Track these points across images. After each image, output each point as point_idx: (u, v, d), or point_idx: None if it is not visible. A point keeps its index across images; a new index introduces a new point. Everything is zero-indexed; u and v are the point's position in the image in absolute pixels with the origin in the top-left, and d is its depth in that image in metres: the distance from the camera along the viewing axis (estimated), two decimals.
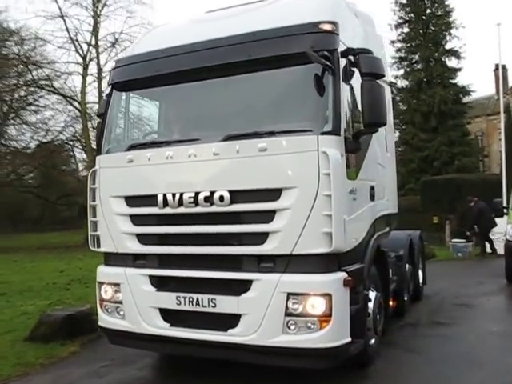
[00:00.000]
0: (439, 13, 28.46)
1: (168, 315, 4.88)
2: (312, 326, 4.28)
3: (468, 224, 16.40)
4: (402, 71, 29.39)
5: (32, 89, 31.69)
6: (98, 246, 5.32)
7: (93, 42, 28.45)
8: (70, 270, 14.19)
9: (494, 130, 34.48)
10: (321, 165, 4.26)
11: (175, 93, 5.25)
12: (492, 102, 36.40)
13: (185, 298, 4.74)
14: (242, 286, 4.50)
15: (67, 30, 27.70)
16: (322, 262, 4.34)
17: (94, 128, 25.43)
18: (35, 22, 62.80)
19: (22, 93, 33.59)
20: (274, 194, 4.38)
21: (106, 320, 5.29)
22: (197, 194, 4.64)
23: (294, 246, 4.31)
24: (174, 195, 4.75)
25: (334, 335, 4.29)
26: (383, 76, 4.62)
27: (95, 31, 28.22)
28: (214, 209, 4.59)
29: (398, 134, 29.30)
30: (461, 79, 29.24)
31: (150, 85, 5.27)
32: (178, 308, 4.78)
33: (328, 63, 4.43)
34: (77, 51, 28.42)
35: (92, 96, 29.77)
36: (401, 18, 29.51)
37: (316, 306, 4.28)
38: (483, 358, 5.58)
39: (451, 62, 28.27)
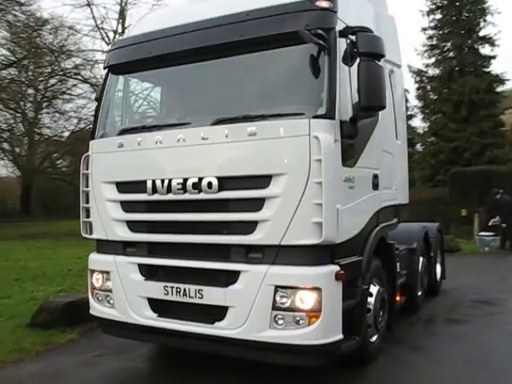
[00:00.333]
0: None
1: (156, 305, 4.73)
2: (300, 322, 4.04)
3: (502, 216, 15.67)
4: (433, 59, 28.43)
5: (65, 78, 32.29)
6: (91, 233, 5.21)
7: (119, 30, 28.59)
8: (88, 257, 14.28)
9: None
10: (312, 150, 3.99)
11: (167, 75, 5.05)
12: None
13: (172, 288, 4.57)
14: (230, 278, 4.30)
15: (93, 17, 27.91)
16: (312, 253, 4.08)
17: None
18: (62, 10, 63.56)
19: (54, 81, 34.28)
20: (263, 180, 4.15)
21: (96, 308, 5.18)
22: (185, 180, 4.45)
23: (282, 236, 4.08)
24: (162, 181, 4.57)
25: (324, 332, 4.04)
26: (382, 56, 4.29)
27: (122, 19, 28.33)
28: (202, 196, 4.39)
29: (427, 124, 28.54)
30: (495, 67, 28.03)
31: (142, 67, 5.09)
32: (165, 298, 4.62)
33: (322, 42, 4.14)
34: (103, 39, 28.62)
35: None
36: (433, 3, 28.44)
37: (305, 300, 4.04)
38: (493, 362, 5.22)
39: (485, 50, 27.14)
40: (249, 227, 4.20)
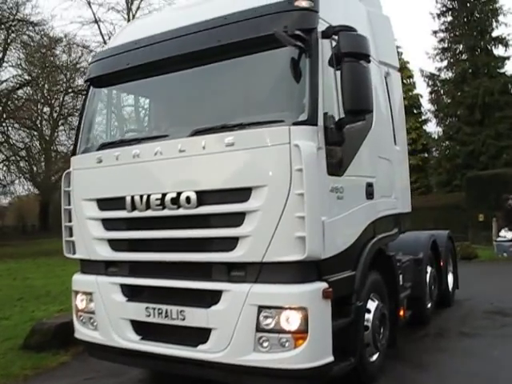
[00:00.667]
0: None
1: (139, 327, 4.49)
2: (286, 344, 3.76)
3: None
4: (445, 62, 27.97)
5: (80, 95, 32.63)
6: (74, 253, 5.01)
7: None
8: None
9: None
10: (293, 160, 3.73)
11: (145, 86, 4.87)
12: None
13: (154, 309, 4.33)
14: (212, 298, 4.04)
15: (101, 34, 28.17)
16: (296, 270, 3.80)
17: None
18: (71, 27, 64.71)
19: (69, 99, 34.73)
20: (243, 194, 3.90)
21: (80, 331, 4.97)
22: (164, 195, 4.22)
23: (264, 252, 3.81)
24: (141, 197, 4.36)
25: (312, 354, 3.75)
26: (367, 56, 4.02)
27: None
28: (181, 212, 4.15)
29: (442, 128, 28.02)
30: (509, 68, 27.59)
31: (122, 79, 4.91)
32: (147, 320, 4.38)
33: (302, 44, 3.90)
34: None
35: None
36: (444, 5, 28.08)
37: (290, 321, 3.76)
38: (505, 380, 4.84)
39: (498, 51, 26.68)
40: (230, 244, 3.95)
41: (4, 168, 34.86)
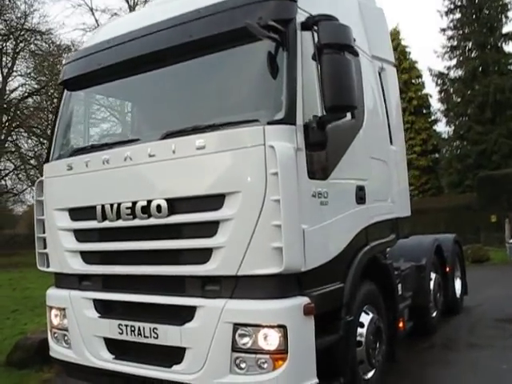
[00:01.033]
0: None
1: (113, 346, 4.18)
2: (264, 365, 3.41)
3: None
4: (454, 61, 27.43)
5: None
6: (48, 266, 4.72)
7: None
8: None
9: None
10: (268, 163, 3.39)
11: (120, 88, 4.56)
12: None
13: (126, 326, 4.01)
14: (186, 314, 3.70)
15: None
16: (274, 284, 3.46)
17: None
18: (74, 34, 65.06)
19: None
20: (216, 201, 3.56)
21: (54, 349, 4.68)
22: (134, 204, 3.91)
23: (239, 265, 3.47)
24: (111, 206, 4.06)
25: (293, 377, 3.40)
26: (349, 46, 3.67)
27: None
28: (151, 221, 3.83)
29: (452, 128, 27.45)
30: None
31: (95, 80, 4.60)
32: (120, 338, 4.07)
33: (276, 36, 3.57)
34: None
35: None
36: (451, 2, 27.55)
37: (268, 340, 3.41)
38: None
39: (508, 47, 26.11)
40: (203, 256, 3.62)
41: (14, 177, 35.02)
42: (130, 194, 3.96)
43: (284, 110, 3.52)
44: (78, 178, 4.34)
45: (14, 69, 31.89)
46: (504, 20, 25.91)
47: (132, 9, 27.63)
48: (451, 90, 27.20)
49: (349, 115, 4.38)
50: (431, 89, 30.56)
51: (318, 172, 3.77)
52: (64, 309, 4.51)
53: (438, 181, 28.64)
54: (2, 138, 30.52)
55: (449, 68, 27.42)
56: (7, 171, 32.92)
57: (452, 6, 27.43)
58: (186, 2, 4.19)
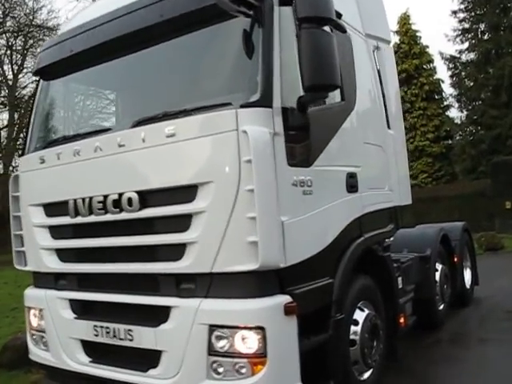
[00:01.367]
0: None
1: (90, 348, 3.95)
2: (242, 370, 3.13)
3: None
4: (466, 44, 26.65)
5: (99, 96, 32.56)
6: (25, 264, 4.50)
7: None
8: None
9: None
10: (241, 149, 3.10)
11: (93, 75, 4.28)
12: None
13: (102, 327, 3.78)
14: (161, 315, 3.44)
15: None
16: (252, 282, 3.17)
17: None
18: None
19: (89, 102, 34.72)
20: (188, 193, 3.28)
21: (33, 352, 4.46)
22: (105, 197, 3.66)
23: (213, 262, 3.20)
24: (83, 200, 3.81)
25: (274, 382, 3.12)
26: (330, 20, 3.33)
27: None
28: (123, 216, 3.57)
29: (465, 113, 26.76)
30: None
31: (69, 68, 4.33)
32: (96, 340, 3.84)
33: (248, 11, 3.26)
34: None
35: None
36: None
37: (246, 342, 3.13)
38: None
39: None
40: (177, 252, 3.35)
41: None
42: (102, 188, 3.70)
43: (259, 92, 3.22)
44: (51, 171, 4.10)
45: (24, 65, 31.91)
46: None
47: None
48: (463, 74, 26.46)
49: (338, 96, 4.09)
50: (443, 74, 29.72)
51: (300, 159, 3.46)
52: (41, 309, 4.29)
53: (451, 167, 27.99)
54: (14, 135, 30.61)
55: (460, 52, 26.68)
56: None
57: None
58: None
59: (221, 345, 3.19)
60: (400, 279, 5.01)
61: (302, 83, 3.23)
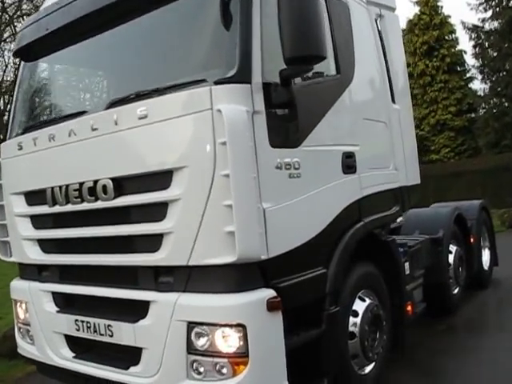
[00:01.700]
0: None
1: (74, 343, 3.78)
2: (223, 370, 2.89)
3: None
4: (489, 12, 25.42)
5: None
6: (11, 255, 4.33)
7: None
8: None
9: None
10: (216, 130, 2.81)
11: (70, 55, 4.00)
12: None
13: (83, 322, 3.59)
14: (140, 310, 3.22)
15: None
16: (232, 276, 2.91)
17: None
18: None
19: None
20: (164, 179, 3.02)
21: (20, 345, 4.35)
22: (81, 185, 3.42)
23: (189, 253, 2.94)
24: (60, 188, 3.59)
25: (256, 383, 2.88)
26: None
27: None
28: (99, 204, 3.34)
29: (488, 85, 25.72)
30: None
31: (45, 48, 4.06)
32: (78, 335, 3.65)
33: None
34: None
35: None
36: None
37: (227, 341, 2.89)
38: None
39: None
40: (154, 243, 3.10)
41: None
42: (77, 175, 3.47)
43: (237, 67, 2.90)
44: (29, 157, 3.89)
45: None
46: None
47: None
48: (486, 44, 25.32)
49: (333, 69, 3.76)
50: (465, 44, 28.45)
51: (286, 139, 3.16)
52: (26, 302, 4.13)
53: (474, 141, 27.05)
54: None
55: (483, 20, 25.43)
56: None
57: None
58: None
59: (201, 343, 2.95)
60: (407, 264, 4.69)
61: (283, 55, 2.90)
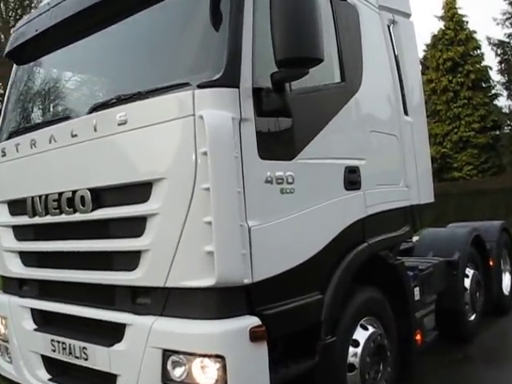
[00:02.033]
0: None
1: (51, 364, 3.52)
2: None
3: None
4: None
5: None
6: None
7: None
8: None
9: None
10: (197, 139, 2.54)
11: (57, 57, 3.82)
12: None
13: (58, 342, 3.33)
14: (116, 333, 2.95)
15: None
16: (212, 300, 2.61)
17: None
18: None
19: None
20: (143, 191, 2.76)
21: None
22: (60, 195, 3.20)
23: (167, 274, 2.66)
24: (40, 198, 3.37)
25: None
26: None
27: None
28: (77, 217, 3.10)
29: None
30: None
31: (35, 50, 3.90)
32: (54, 356, 3.40)
33: None
34: None
35: None
36: None
37: (205, 372, 2.59)
38: None
39: None
40: (132, 261, 2.84)
41: None
42: (57, 184, 3.25)
43: (223, 69, 2.64)
44: (12, 164, 3.70)
45: None
46: None
47: None
48: None
49: (337, 76, 3.48)
50: (491, 60, 27.80)
51: (278, 150, 2.87)
52: (6, 318, 3.90)
53: (498, 159, 26.32)
54: None
55: (510, 36, 24.93)
56: None
57: None
58: None
59: (177, 373, 2.66)
60: (417, 290, 4.33)
61: (274, 56, 2.63)
